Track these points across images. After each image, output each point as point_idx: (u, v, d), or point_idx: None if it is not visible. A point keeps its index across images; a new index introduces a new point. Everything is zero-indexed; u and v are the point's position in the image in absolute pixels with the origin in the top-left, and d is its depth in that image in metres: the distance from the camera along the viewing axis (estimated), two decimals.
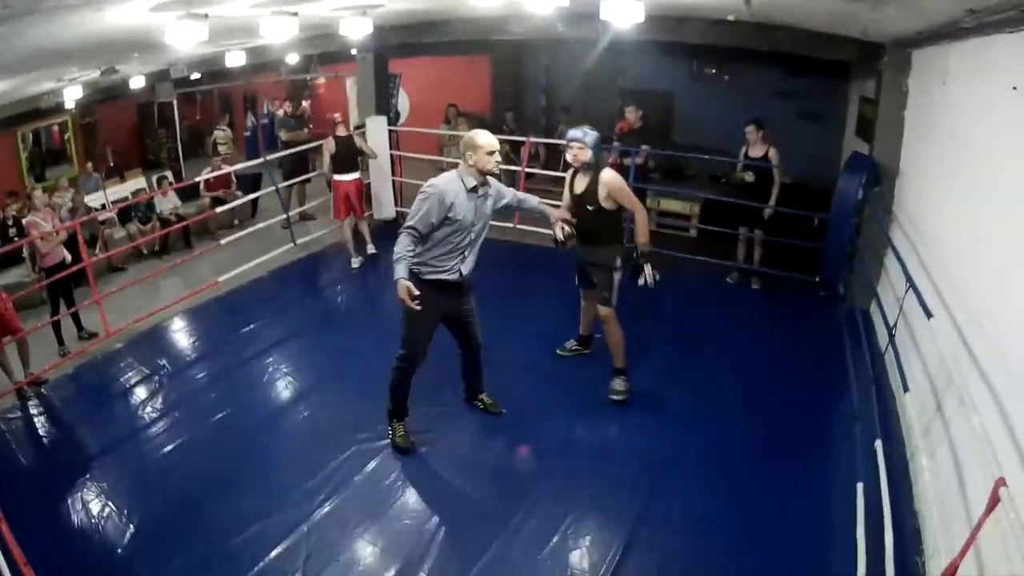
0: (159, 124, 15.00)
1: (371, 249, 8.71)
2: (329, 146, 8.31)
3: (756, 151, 7.46)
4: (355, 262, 8.52)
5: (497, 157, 4.47)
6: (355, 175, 8.50)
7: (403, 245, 4.34)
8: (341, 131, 8.44)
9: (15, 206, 10.33)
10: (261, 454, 4.98)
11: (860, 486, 4.11)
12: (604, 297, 5.24)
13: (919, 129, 5.93)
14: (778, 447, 4.91)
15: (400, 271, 4.27)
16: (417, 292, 4.26)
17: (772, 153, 7.35)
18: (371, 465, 4.76)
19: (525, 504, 4.35)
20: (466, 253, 4.55)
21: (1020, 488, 2.56)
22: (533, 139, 9.39)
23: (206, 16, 4.90)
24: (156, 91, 14.14)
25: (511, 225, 8.39)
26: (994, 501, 2.45)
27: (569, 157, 5.19)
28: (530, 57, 12.82)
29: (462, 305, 4.81)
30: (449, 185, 4.41)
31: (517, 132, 11.06)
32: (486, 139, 4.44)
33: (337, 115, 8.57)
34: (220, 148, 12.77)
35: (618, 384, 5.39)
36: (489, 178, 4.58)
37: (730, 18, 6.76)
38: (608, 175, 5.11)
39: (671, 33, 7.43)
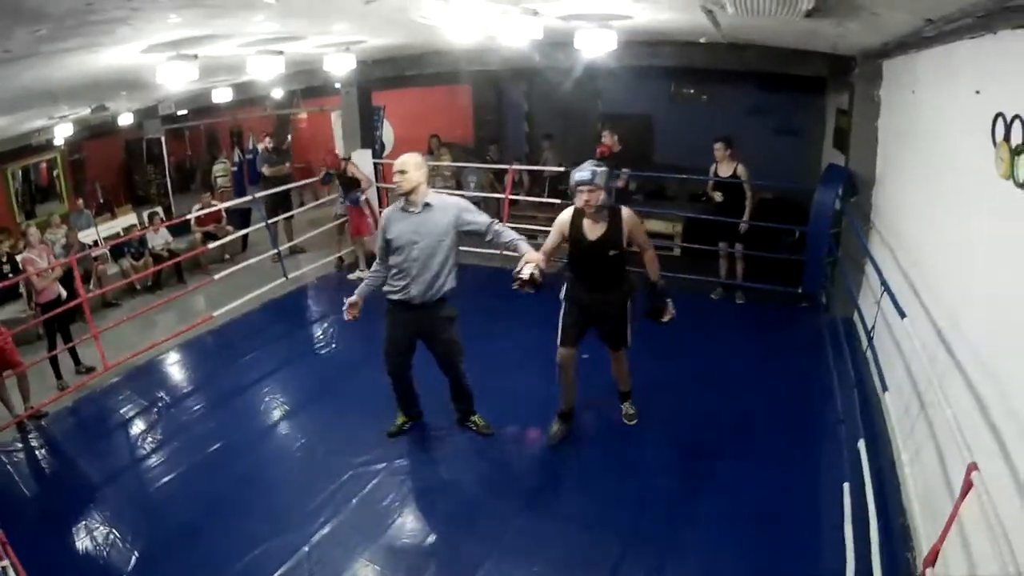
0: (147, 160, 15.10)
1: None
2: None
3: (724, 169, 7.55)
4: (353, 275, 9.05)
5: (398, 177, 4.58)
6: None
7: (371, 268, 5.02)
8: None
9: (8, 243, 10.38)
10: (260, 480, 5.05)
11: (846, 486, 4.22)
12: (625, 342, 5.05)
13: (892, 138, 6.11)
14: (767, 453, 5.00)
15: (357, 289, 4.93)
16: (350, 305, 4.87)
17: (740, 170, 7.44)
18: (368, 487, 4.83)
19: (518, 521, 4.44)
20: (413, 273, 4.65)
21: (995, 473, 2.68)
22: (516, 167, 9.52)
23: (196, 56, 5.06)
24: (144, 127, 14.24)
25: (497, 252, 8.49)
26: (967, 486, 2.55)
27: (579, 203, 4.57)
28: (511, 85, 12.94)
29: (429, 328, 4.89)
30: (387, 209, 4.81)
31: (501, 161, 11.18)
32: (396, 161, 4.68)
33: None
34: (220, 180, 12.80)
35: (630, 408, 5.40)
36: (442, 197, 4.79)
37: (702, 40, 6.92)
38: (628, 214, 4.74)
39: (646, 57, 7.60)
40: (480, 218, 4.77)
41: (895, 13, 3.85)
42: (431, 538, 4.37)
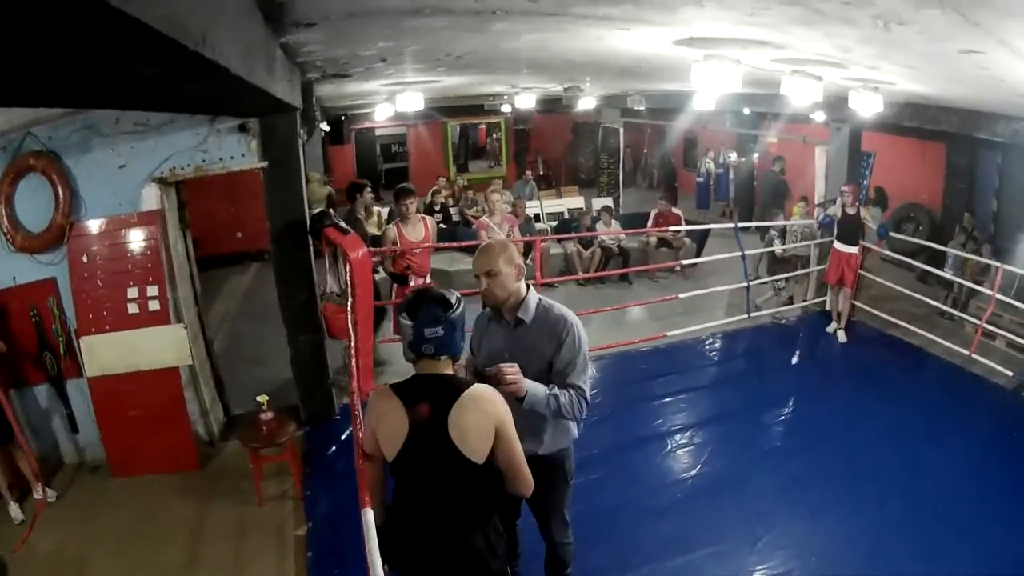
0: (601, 147, 15.18)
1: (841, 337, 8.03)
2: (836, 211, 8.03)
3: None
4: (830, 328, 8.20)
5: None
6: (853, 249, 7.92)
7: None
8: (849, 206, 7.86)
9: (444, 192, 11.07)
10: (681, 545, 4.52)
11: None
12: None
13: None
14: None
15: None
16: None
17: None
18: None
19: None
20: None
21: None
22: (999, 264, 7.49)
23: (738, 62, 4.30)
24: (602, 114, 14.35)
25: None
26: None
27: None
28: (986, 154, 10.61)
29: None
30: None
31: (977, 236, 9.22)
32: None
33: (845, 189, 7.84)
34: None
35: None
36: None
37: None
38: None
39: None
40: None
41: None
42: None
